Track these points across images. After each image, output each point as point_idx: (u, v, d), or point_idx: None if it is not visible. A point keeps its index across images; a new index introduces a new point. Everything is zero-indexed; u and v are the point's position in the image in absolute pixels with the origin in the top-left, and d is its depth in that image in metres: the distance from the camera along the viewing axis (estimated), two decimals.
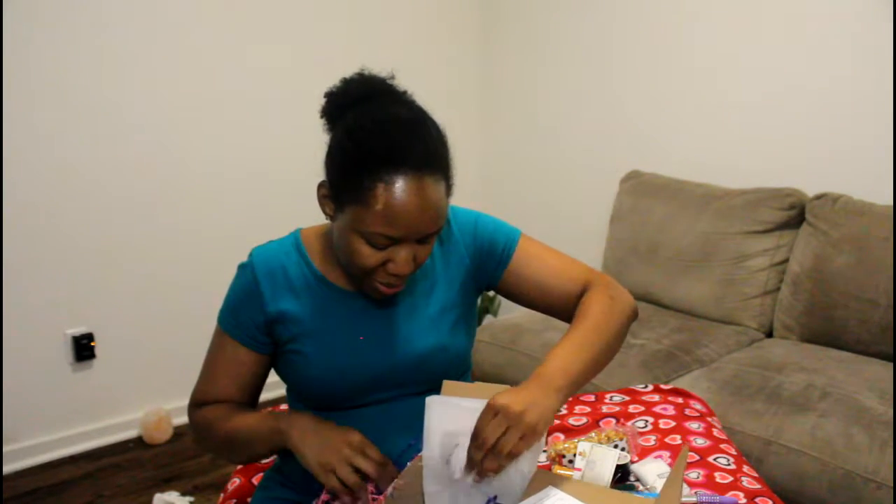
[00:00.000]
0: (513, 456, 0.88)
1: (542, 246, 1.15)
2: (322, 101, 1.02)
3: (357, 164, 0.93)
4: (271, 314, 1.05)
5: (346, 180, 0.94)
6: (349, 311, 1.07)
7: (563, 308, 1.11)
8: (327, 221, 1.12)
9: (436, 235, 0.99)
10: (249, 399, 1.12)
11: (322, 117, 1.02)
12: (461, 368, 1.14)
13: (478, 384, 0.99)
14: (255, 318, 1.05)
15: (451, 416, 0.93)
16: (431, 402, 0.94)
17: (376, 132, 0.93)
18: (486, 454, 0.87)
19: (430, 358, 1.07)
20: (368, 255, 0.95)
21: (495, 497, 0.93)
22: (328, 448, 0.96)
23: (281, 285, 1.06)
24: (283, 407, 1.25)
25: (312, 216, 1.16)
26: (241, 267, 1.09)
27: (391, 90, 1.01)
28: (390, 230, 0.92)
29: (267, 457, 1.13)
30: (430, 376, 1.05)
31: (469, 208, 1.15)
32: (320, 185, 1.00)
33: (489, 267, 1.12)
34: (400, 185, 0.90)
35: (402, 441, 1.05)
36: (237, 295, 1.07)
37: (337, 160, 0.96)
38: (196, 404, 1.12)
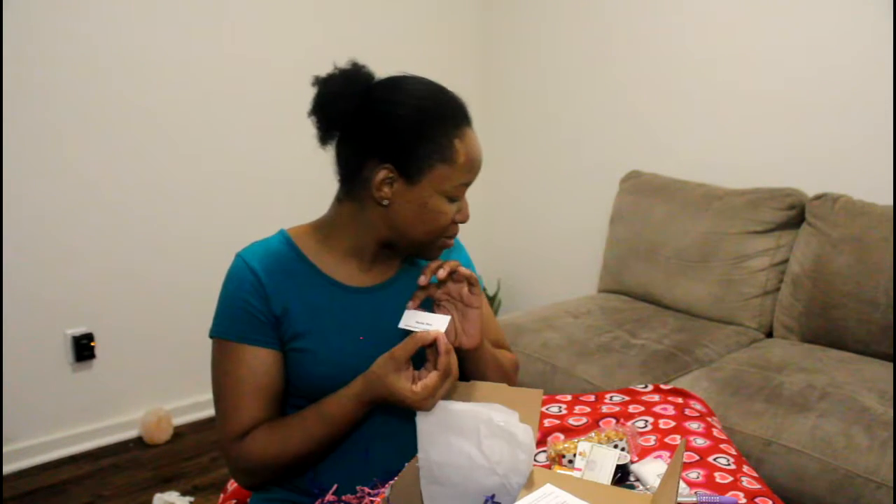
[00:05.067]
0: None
1: (489, 307, 1.26)
2: (317, 100, 1.03)
3: (432, 128, 0.99)
4: (276, 311, 1.04)
5: (424, 146, 0.99)
6: (352, 306, 1.07)
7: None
8: (313, 220, 1.12)
9: None
10: (281, 410, 1.08)
11: (322, 111, 1.02)
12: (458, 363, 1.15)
13: (473, 383, 1.00)
14: (267, 312, 1.03)
15: (442, 419, 0.93)
16: None
17: (431, 98, 1.02)
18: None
19: None
20: (448, 211, 1.03)
21: (493, 496, 0.93)
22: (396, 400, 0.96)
23: (281, 281, 1.05)
24: None
25: (313, 215, 1.16)
26: (236, 268, 1.06)
27: (395, 75, 1.06)
28: (468, 177, 1.03)
29: (345, 431, 1.05)
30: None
31: None
32: (379, 169, 1.00)
33: None
34: (467, 136, 1.03)
35: (409, 438, 1.05)
36: (240, 296, 1.04)
37: (406, 133, 0.99)
38: (236, 438, 1.03)
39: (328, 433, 1.01)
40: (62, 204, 2.24)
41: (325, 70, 1.05)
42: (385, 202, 1.02)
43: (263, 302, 1.03)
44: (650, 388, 1.46)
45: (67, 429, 2.37)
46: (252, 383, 1.03)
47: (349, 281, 1.08)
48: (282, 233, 1.11)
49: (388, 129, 1.00)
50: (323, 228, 1.10)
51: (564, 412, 1.38)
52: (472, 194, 1.08)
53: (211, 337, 1.06)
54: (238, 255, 1.07)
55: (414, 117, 0.99)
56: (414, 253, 1.10)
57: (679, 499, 1.05)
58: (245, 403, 1.03)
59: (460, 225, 1.09)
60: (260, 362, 1.03)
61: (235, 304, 1.04)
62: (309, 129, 1.06)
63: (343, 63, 1.04)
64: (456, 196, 1.03)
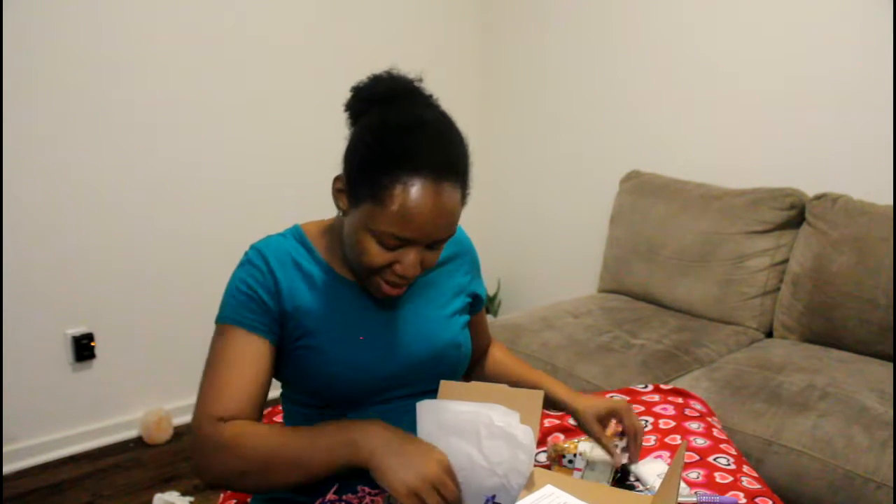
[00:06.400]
0: None
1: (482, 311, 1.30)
2: (348, 94, 1.02)
3: (377, 162, 0.93)
4: (287, 307, 1.02)
5: (364, 177, 0.94)
6: (364, 306, 1.07)
7: (476, 358, 1.30)
8: (327, 218, 1.13)
9: (445, 242, 1.00)
10: (263, 407, 1.03)
11: (346, 111, 1.03)
12: (464, 368, 1.16)
13: (474, 383, 0.99)
14: (272, 306, 1.02)
15: (442, 420, 0.93)
16: (422, 406, 0.95)
17: (401, 133, 0.93)
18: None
19: (445, 353, 1.10)
20: (377, 255, 0.96)
21: (493, 497, 0.93)
22: (413, 469, 0.86)
23: (295, 277, 1.04)
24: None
25: (312, 216, 1.16)
26: (249, 259, 1.05)
27: (418, 92, 1.02)
28: (402, 232, 0.93)
29: (319, 477, 0.93)
30: (444, 372, 1.07)
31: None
32: (336, 179, 1.00)
33: (471, 306, 1.23)
34: (417, 189, 0.91)
35: None
36: (249, 284, 1.02)
37: (357, 156, 0.96)
38: (215, 418, 0.96)
39: (293, 454, 0.92)
40: (62, 204, 2.24)
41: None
42: (341, 212, 1.02)
43: (271, 295, 1.02)
44: (650, 388, 1.46)
45: (67, 429, 2.37)
46: (241, 367, 0.99)
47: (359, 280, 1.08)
48: (296, 228, 1.11)
49: (350, 143, 0.99)
50: (335, 227, 1.10)
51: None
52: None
53: (215, 324, 1.04)
54: (253, 246, 1.06)
55: (369, 142, 0.94)
56: (359, 279, 1.05)
57: (679, 499, 1.05)
58: (231, 386, 0.98)
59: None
60: (253, 348, 1.00)
61: (240, 289, 1.02)
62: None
63: (350, 73, 1.04)
64: (387, 244, 0.95)
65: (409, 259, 0.96)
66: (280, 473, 0.92)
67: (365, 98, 1.00)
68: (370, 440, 0.89)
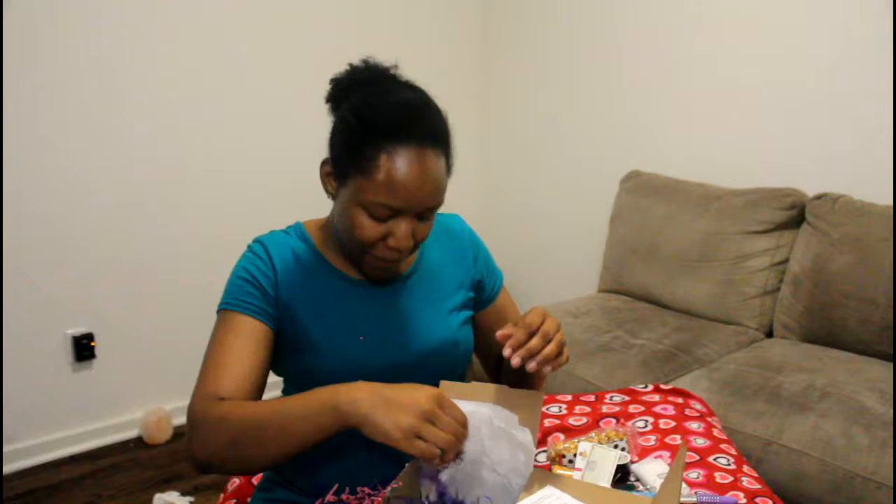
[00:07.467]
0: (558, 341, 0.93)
1: (511, 298, 1.26)
2: (327, 87, 1.04)
3: (361, 135, 0.95)
4: (284, 297, 1.04)
5: (349, 152, 0.96)
6: (362, 302, 1.07)
7: (498, 359, 1.21)
8: (325, 216, 1.13)
9: (434, 211, 1.01)
10: (262, 390, 1.01)
11: (327, 102, 1.04)
12: (464, 366, 1.15)
13: (474, 384, 0.99)
14: (271, 293, 1.03)
15: None
16: None
17: (381, 107, 0.96)
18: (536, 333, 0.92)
19: (442, 351, 1.09)
20: (369, 227, 0.97)
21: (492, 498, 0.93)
22: (404, 411, 0.84)
23: (293, 272, 1.05)
24: None
25: (313, 216, 1.16)
26: (252, 249, 1.07)
27: (395, 77, 1.04)
28: (391, 200, 0.94)
29: (308, 445, 0.90)
30: (440, 370, 1.06)
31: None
32: (323, 163, 1.03)
33: (478, 297, 1.20)
34: (402, 155, 0.93)
35: None
36: (249, 271, 1.04)
37: (341, 135, 0.99)
38: (212, 397, 0.95)
39: (281, 422, 0.89)
40: (62, 204, 2.24)
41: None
42: (331, 196, 1.04)
43: (270, 282, 1.03)
44: (650, 388, 1.46)
45: (67, 429, 2.37)
46: (238, 349, 0.98)
47: (358, 275, 1.08)
48: (297, 224, 1.12)
49: (334, 127, 1.01)
50: (329, 223, 1.11)
51: (565, 412, 1.38)
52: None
53: (217, 312, 1.04)
54: (256, 239, 1.09)
55: (350, 121, 0.97)
56: (354, 262, 1.06)
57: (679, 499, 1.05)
58: (229, 368, 0.97)
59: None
60: (251, 331, 1.00)
61: (240, 276, 1.04)
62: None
63: (371, 59, 1.05)
64: (377, 215, 0.96)
65: (401, 230, 0.97)
66: (271, 442, 0.89)
67: (343, 86, 1.02)
68: (356, 402, 0.86)
